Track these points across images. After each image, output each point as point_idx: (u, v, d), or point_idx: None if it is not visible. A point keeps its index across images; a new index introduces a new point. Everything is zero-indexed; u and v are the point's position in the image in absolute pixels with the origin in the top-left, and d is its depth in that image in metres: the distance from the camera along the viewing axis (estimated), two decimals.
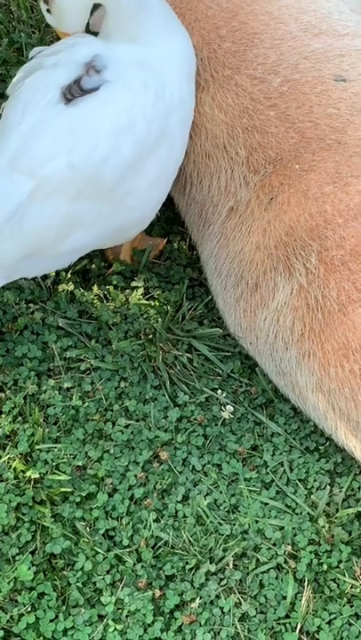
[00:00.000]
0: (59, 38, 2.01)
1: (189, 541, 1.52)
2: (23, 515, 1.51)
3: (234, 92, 1.59)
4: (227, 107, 1.59)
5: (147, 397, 1.64)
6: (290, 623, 1.47)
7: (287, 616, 1.48)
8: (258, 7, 1.62)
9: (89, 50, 1.47)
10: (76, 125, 1.43)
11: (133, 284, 1.74)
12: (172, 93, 1.48)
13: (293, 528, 1.54)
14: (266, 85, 1.58)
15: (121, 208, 1.51)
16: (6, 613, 1.44)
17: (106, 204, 1.49)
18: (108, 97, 1.44)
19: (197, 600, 1.47)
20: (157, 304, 1.73)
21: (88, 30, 1.66)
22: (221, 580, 1.50)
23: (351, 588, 1.49)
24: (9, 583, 1.45)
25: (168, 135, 1.49)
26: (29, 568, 1.46)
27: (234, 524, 1.54)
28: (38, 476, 1.52)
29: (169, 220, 1.83)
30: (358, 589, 1.49)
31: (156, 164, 1.50)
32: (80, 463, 1.56)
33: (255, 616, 1.47)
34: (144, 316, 1.71)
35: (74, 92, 1.43)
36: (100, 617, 1.45)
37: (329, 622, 1.47)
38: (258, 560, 1.52)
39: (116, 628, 1.44)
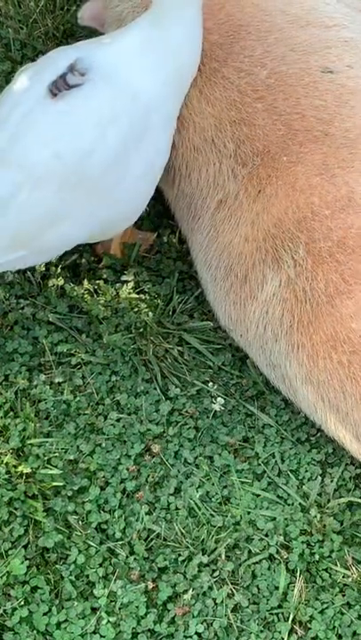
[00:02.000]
0: (46, 34, 2.02)
1: (182, 533, 1.52)
2: (15, 509, 1.51)
3: (221, 84, 1.59)
4: (214, 100, 1.59)
5: (138, 391, 1.65)
6: (282, 613, 1.48)
7: (280, 606, 1.48)
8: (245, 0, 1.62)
9: (68, 56, 1.49)
10: (62, 118, 1.45)
11: (124, 277, 1.74)
12: (152, 92, 1.49)
13: (285, 519, 1.54)
14: (253, 78, 1.58)
15: (108, 202, 1.52)
16: (0, 607, 1.44)
17: (93, 196, 1.50)
18: (92, 91, 1.46)
19: (190, 592, 1.48)
20: (148, 298, 1.73)
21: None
22: (214, 571, 1.50)
23: (343, 577, 1.50)
24: (2, 577, 1.46)
25: (152, 131, 1.50)
26: (22, 562, 1.47)
27: (226, 516, 1.54)
28: (30, 470, 1.53)
29: (159, 213, 1.83)
30: (350, 579, 1.50)
31: (141, 159, 1.51)
32: (72, 457, 1.56)
33: (248, 607, 1.48)
34: (135, 310, 1.72)
35: (60, 86, 1.45)
36: (94, 610, 1.46)
37: (321, 612, 1.48)
38: (250, 551, 1.52)
39: (109, 621, 1.45)
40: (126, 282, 1.73)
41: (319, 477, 1.58)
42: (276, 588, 1.50)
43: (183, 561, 1.50)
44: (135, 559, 1.50)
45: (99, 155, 1.46)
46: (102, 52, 1.49)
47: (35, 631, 1.43)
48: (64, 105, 1.46)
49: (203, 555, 1.51)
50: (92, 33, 1.99)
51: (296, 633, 1.46)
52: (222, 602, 1.48)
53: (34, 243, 1.50)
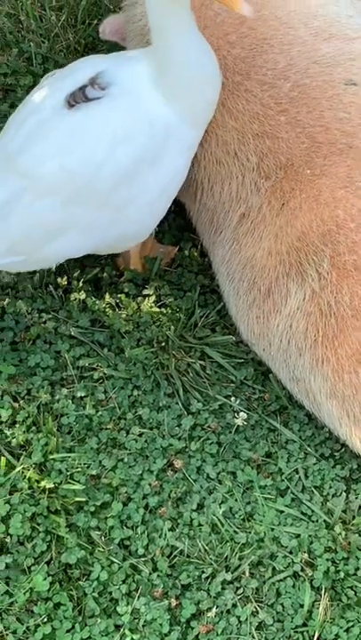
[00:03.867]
0: (68, 48, 2.02)
1: (205, 550, 1.51)
2: (38, 525, 1.50)
3: (244, 97, 1.59)
4: (237, 113, 1.59)
5: (160, 405, 1.64)
6: (307, 632, 1.46)
7: (304, 624, 1.47)
8: (267, 13, 1.61)
9: (91, 67, 1.49)
10: (76, 130, 1.46)
11: (145, 291, 1.73)
12: (171, 115, 1.48)
13: (309, 536, 1.53)
14: (276, 91, 1.57)
15: (120, 219, 1.52)
16: (22, 624, 1.43)
17: (103, 211, 1.50)
18: (110, 106, 1.46)
19: (214, 609, 1.46)
20: (169, 312, 1.72)
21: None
22: (238, 588, 1.49)
23: None
24: (25, 594, 1.45)
25: (169, 155, 1.50)
26: (45, 578, 1.46)
27: (249, 533, 1.53)
28: (53, 485, 1.52)
29: (180, 226, 1.83)
30: None
31: (157, 181, 1.50)
32: (94, 472, 1.55)
33: (272, 625, 1.46)
34: (156, 324, 1.71)
35: (78, 98, 1.46)
36: (117, 627, 1.45)
37: (347, 630, 1.46)
38: (274, 568, 1.51)
39: (132, 638, 1.43)
40: (148, 296, 1.73)
41: (344, 494, 1.56)
42: (301, 605, 1.48)
43: (207, 578, 1.49)
44: (158, 576, 1.48)
45: (108, 171, 1.46)
46: (126, 69, 1.49)
47: None
48: (80, 116, 1.46)
49: (226, 572, 1.49)
50: (113, 47, 2.00)
51: None
52: (246, 620, 1.46)
53: (35, 250, 1.50)
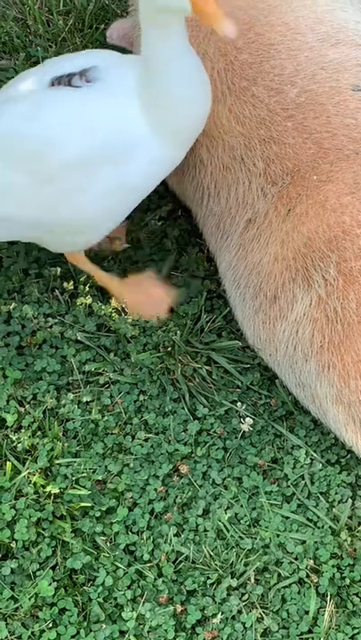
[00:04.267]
0: (75, 52, 2.02)
1: (210, 556, 1.51)
2: (43, 530, 1.50)
3: (251, 103, 1.58)
4: (244, 118, 1.59)
5: (166, 410, 1.64)
6: (313, 638, 1.45)
7: (310, 631, 1.46)
8: (274, 18, 1.61)
9: (87, 61, 1.51)
10: (45, 103, 1.48)
11: None
12: (141, 130, 1.48)
13: (315, 542, 1.52)
14: (283, 96, 1.57)
15: (65, 202, 1.52)
16: (28, 629, 1.43)
17: (48, 188, 1.50)
18: (86, 95, 1.48)
19: (219, 615, 1.46)
20: (176, 316, 1.72)
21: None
22: (243, 594, 1.49)
23: None
24: (30, 599, 1.45)
25: (130, 164, 1.49)
26: (50, 584, 1.46)
27: (255, 538, 1.52)
28: (58, 490, 1.52)
29: (186, 231, 1.83)
30: None
31: (109, 182, 1.50)
32: (100, 477, 1.55)
33: (277, 631, 1.46)
34: (162, 329, 1.71)
35: (62, 82, 1.49)
36: (122, 633, 1.45)
37: (352, 637, 1.46)
38: (280, 574, 1.50)
39: None
40: None
41: (350, 500, 1.56)
42: (307, 612, 1.47)
43: (212, 584, 1.49)
44: (164, 582, 1.48)
45: (59, 148, 1.46)
46: (118, 70, 1.49)
47: None
48: (54, 94, 1.48)
49: (232, 578, 1.49)
50: (120, 52, 2.00)
51: None
52: (252, 626, 1.46)
53: None
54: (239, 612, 1.47)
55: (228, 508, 1.55)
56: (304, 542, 1.52)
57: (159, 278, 1.74)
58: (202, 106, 1.49)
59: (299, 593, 1.49)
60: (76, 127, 1.47)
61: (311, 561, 1.50)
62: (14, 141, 1.48)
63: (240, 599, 1.48)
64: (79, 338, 1.68)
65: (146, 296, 1.71)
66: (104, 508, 1.53)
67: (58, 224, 1.56)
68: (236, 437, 1.62)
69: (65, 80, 1.49)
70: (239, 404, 1.65)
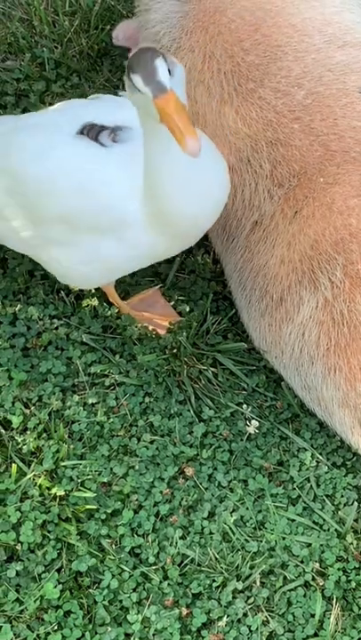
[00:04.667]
0: (81, 53, 2.02)
1: (216, 559, 1.50)
2: (49, 532, 1.50)
3: (258, 105, 1.58)
4: (250, 120, 1.58)
5: (172, 412, 1.63)
6: None
7: (316, 634, 1.46)
8: (281, 20, 1.60)
9: (125, 119, 1.44)
10: (56, 147, 1.44)
11: None
12: (134, 215, 1.42)
13: (321, 545, 1.52)
14: (290, 98, 1.57)
15: (46, 249, 1.52)
16: (33, 632, 1.43)
17: (27, 225, 1.51)
18: (99, 156, 1.42)
19: (224, 618, 1.45)
20: (181, 318, 1.72)
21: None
22: (249, 597, 1.48)
23: None
24: (35, 601, 1.44)
25: (112, 238, 1.45)
26: (55, 586, 1.46)
27: (260, 541, 1.52)
28: (63, 493, 1.52)
29: None
30: None
31: (94, 246, 1.47)
32: (105, 479, 1.55)
33: (283, 634, 1.46)
34: (168, 331, 1.70)
35: (90, 133, 1.44)
36: (127, 635, 1.44)
37: None
38: (285, 577, 1.50)
39: None
40: None
41: (355, 503, 1.55)
42: (312, 615, 1.47)
43: (217, 587, 1.48)
44: (169, 584, 1.48)
45: (45, 191, 1.44)
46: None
47: None
48: (76, 141, 1.44)
49: (237, 581, 1.49)
50: (125, 52, 2.00)
51: None
52: (257, 629, 1.45)
53: None
54: (245, 615, 1.47)
55: (233, 510, 1.55)
56: (310, 545, 1.52)
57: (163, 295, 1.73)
58: (202, 208, 1.41)
59: (304, 596, 1.49)
60: (76, 182, 1.43)
61: (317, 564, 1.50)
62: (19, 175, 1.47)
63: (246, 602, 1.47)
64: (85, 339, 1.68)
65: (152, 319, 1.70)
66: (109, 511, 1.52)
67: (44, 263, 1.57)
68: (242, 440, 1.62)
69: (92, 132, 1.43)
70: (245, 406, 1.65)
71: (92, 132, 1.44)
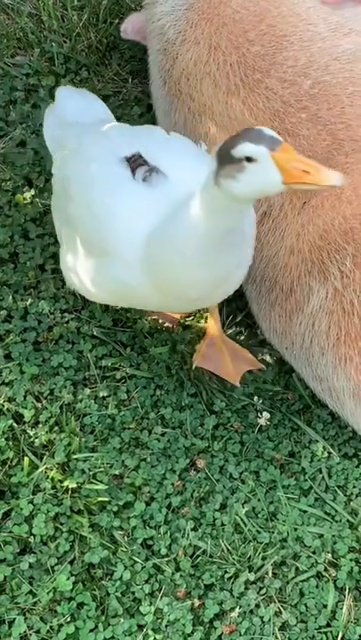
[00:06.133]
0: (90, 47, 2.02)
1: (228, 550, 1.50)
2: (61, 525, 1.51)
3: (264, 95, 1.57)
4: (257, 111, 1.58)
5: (183, 405, 1.63)
6: (331, 632, 1.45)
7: (328, 625, 1.46)
8: (286, 9, 1.60)
9: (171, 162, 1.40)
10: (94, 171, 1.43)
11: None
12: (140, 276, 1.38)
13: (333, 535, 1.52)
14: (296, 88, 1.56)
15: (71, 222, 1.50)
16: (46, 624, 1.44)
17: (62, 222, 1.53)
18: (128, 189, 1.39)
19: (237, 609, 1.46)
20: (193, 311, 1.72)
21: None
22: (261, 588, 1.48)
23: None
24: (48, 593, 1.45)
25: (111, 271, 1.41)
26: (68, 578, 1.47)
27: (272, 532, 1.52)
28: (76, 485, 1.53)
29: None
30: None
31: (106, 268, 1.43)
32: (117, 472, 1.56)
33: (296, 625, 1.46)
34: (179, 323, 1.70)
35: (132, 164, 1.41)
36: (140, 627, 1.45)
37: None
38: (297, 568, 1.50)
39: (155, 638, 1.43)
40: None
41: None
42: (325, 606, 1.47)
43: (230, 578, 1.49)
44: (181, 576, 1.48)
45: (76, 182, 1.45)
46: (176, 191, 1.36)
47: None
48: (117, 161, 1.42)
49: (249, 572, 1.49)
50: (134, 46, 2.00)
51: None
52: (270, 620, 1.45)
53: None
54: (257, 605, 1.47)
55: (245, 502, 1.55)
56: (322, 536, 1.52)
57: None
58: (208, 285, 1.36)
59: (317, 587, 1.48)
60: (92, 196, 1.41)
61: (329, 554, 1.50)
62: (62, 176, 1.50)
63: (258, 593, 1.48)
64: (95, 333, 1.68)
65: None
66: (121, 503, 1.53)
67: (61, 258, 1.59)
68: (253, 431, 1.62)
69: (133, 163, 1.40)
70: (256, 398, 1.64)
71: (135, 163, 1.40)
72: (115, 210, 1.38)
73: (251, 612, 1.47)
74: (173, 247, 1.30)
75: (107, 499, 1.53)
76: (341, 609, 1.46)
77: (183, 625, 1.44)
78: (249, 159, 1.15)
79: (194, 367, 1.64)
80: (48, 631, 1.44)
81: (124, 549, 1.50)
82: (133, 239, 1.35)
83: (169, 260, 1.31)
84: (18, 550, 1.49)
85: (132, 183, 1.39)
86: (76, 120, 1.63)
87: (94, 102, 1.70)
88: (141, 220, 1.35)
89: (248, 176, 1.16)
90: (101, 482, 1.54)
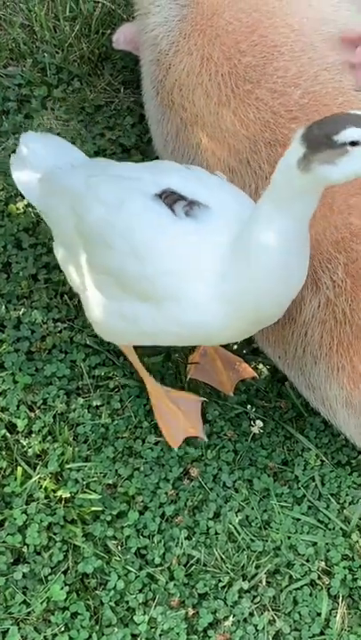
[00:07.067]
0: (82, 58, 2.03)
1: (221, 559, 1.51)
2: (55, 534, 1.51)
3: (255, 106, 1.58)
4: (248, 121, 1.59)
5: None
6: None
7: (322, 633, 1.46)
8: (278, 20, 1.61)
9: (209, 194, 1.39)
10: (123, 214, 1.39)
11: None
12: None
13: (326, 543, 1.52)
14: (286, 98, 1.57)
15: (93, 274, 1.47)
16: (40, 634, 1.44)
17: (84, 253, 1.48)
18: (170, 226, 1.36)
19: (231, 618, 1.46)
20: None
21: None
22: (255, 597, 1.49)
23: None
24: (42, 603, 1.45)
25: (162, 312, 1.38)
26: (62, 588, 1.47)
27: (266, 541, 1.52)
28: (69, 495, 1.53)
29: None
30: None
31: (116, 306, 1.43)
32: (110, 481, 1.56)
33: (290, 633, 1.46)
34: None
35: (167, 199, 1.38)
36: (134, 636, 1.45)
37: None
38: (291, 577, 1.50)
39: None
40: None
41: (360, 501, 1.56)
42: (318, 614, 1.47)
43: (223, 587, 1.49)
44: (175, 585, 1.48)
45: (94, 219, 1.42)
46: (216, 224, 1.35)
47: None
48: (149, 204, 1.38)
49: (243, 580, 1.49)
50: (126, 56, 2.01)
51: None
52: (263, 628, 1.46)
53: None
54: (251, 614, 1.47)
55: (238, 510, 1.55)
56: (315, 544, 1.52)
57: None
58: (285, 298, 1.36)
59: (310, 595, 1.49)
60: (134, 243, 1.37)
61: (323, 563, 1.50)
62: (85, 217, 1.43)
63: (252, 602, 1.48)
64: (88, 342, 1.69)
65: (174, 416, 1.61)
66: (115, 512, 1.53)
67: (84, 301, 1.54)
68: (247, 440, 1.62)
69: (169, 199, 1.37)
70: (249, 406, 1.65)
71: (169, 198, 1.37)
72: (171, 252, 1.34)
73: (245, 620, 1.47)
74: (260, 263, 1.27)
75: (100, 508, 1.53)
76: (335, 617, 1.47)
77: (177, 634, 1.45)
78: (354, 143, 1.15)
79: (188, 379, 1.65)
80: None
81: (118, 559, 1.50)
82: (202, 276, 1.32)
83: (255, 278, 1.29)
84: (11, 560, 1.49)
85: (176, 220, 1.36)
86: (54, 164, 1.56)
87: (62, 144, 1.65)
88: (205, 255, 1.32)
89: (353, 160, 1.17)
90: (95, 491, 1.54)
